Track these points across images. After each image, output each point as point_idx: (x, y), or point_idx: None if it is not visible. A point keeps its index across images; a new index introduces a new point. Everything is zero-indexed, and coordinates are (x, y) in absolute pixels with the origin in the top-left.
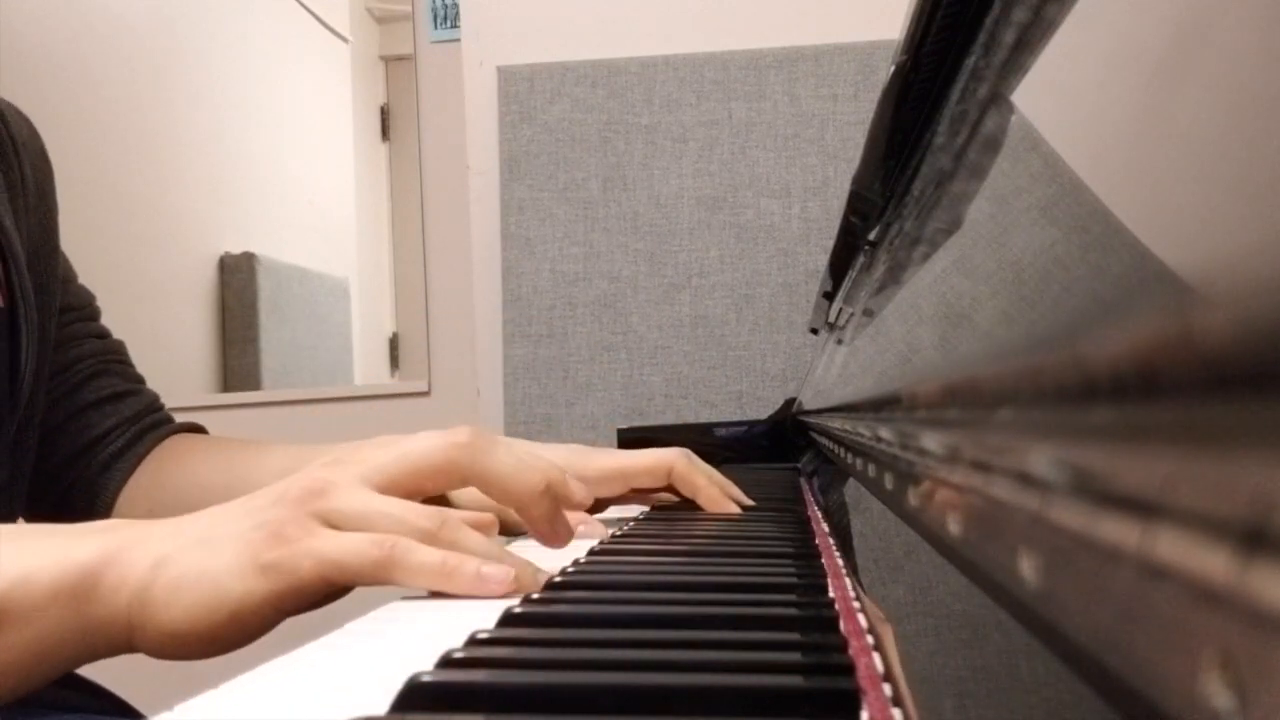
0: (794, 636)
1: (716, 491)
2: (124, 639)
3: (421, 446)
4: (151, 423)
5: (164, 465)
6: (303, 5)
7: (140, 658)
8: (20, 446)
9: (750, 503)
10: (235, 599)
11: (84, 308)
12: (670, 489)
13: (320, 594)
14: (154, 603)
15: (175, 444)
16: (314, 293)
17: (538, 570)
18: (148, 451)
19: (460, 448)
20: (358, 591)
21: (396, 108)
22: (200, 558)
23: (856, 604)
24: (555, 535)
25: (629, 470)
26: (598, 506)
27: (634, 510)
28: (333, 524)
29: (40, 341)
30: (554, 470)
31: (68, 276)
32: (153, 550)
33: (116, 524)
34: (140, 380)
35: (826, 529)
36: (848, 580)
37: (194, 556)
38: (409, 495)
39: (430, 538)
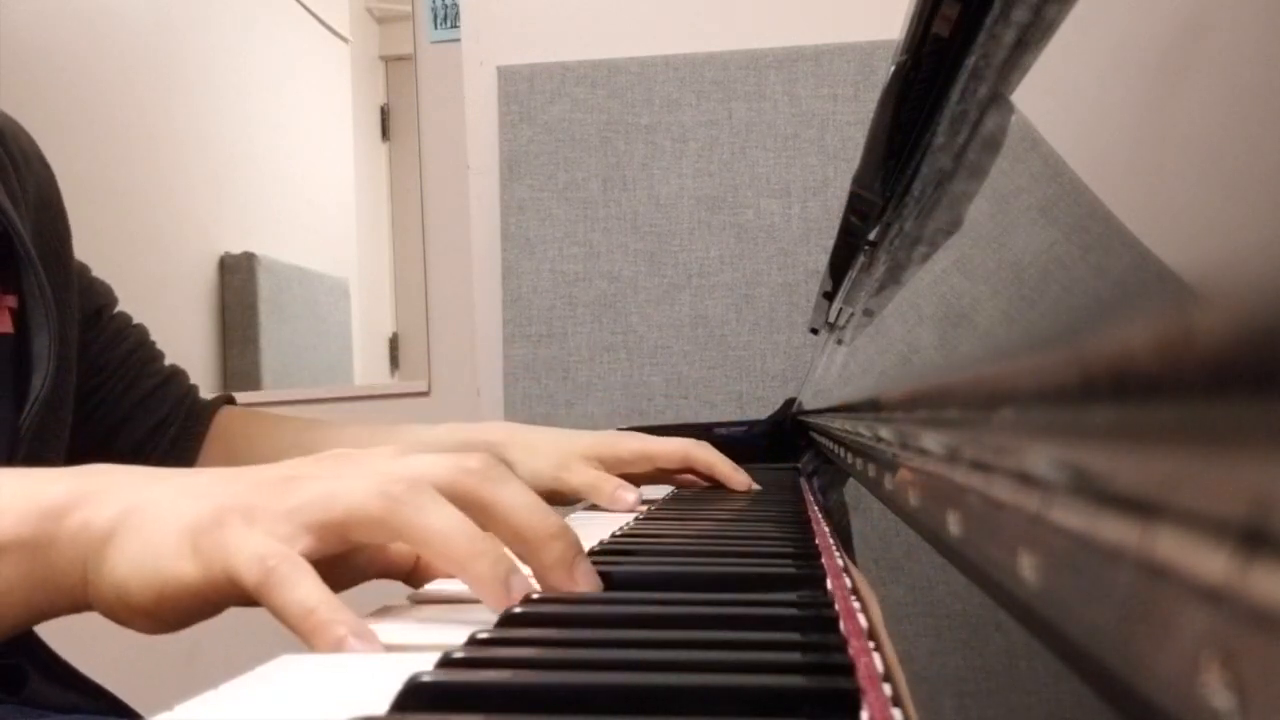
0: (794, 636)
1: (730, 469)
2: (80, 589)
3: (351, 491)
4: (193, 400)
5: (232, 443)
6: (303, 5)
7: (142, 656)
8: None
9: (756, 486)
10: (164, 578)
11: (112, 300)
12: (689, 471)
13: (235, 599)
14: (111, 556)
15: (229, 420)
16: (314, 293)
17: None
18: (204, 430)
19: (388, 498)
20: (358, 590)
21: (396, 108)
22: (159, 516)
23: (856, 604)
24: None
25: (653, 453)
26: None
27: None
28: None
29: (60, 353)
30: (492, 544)
31: (84, 274)
32: (125, 497)
33: (93, 468)
34: (163, 357)
35: (827, 529)
36: (848, 579)
37: (156, 513)
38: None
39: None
